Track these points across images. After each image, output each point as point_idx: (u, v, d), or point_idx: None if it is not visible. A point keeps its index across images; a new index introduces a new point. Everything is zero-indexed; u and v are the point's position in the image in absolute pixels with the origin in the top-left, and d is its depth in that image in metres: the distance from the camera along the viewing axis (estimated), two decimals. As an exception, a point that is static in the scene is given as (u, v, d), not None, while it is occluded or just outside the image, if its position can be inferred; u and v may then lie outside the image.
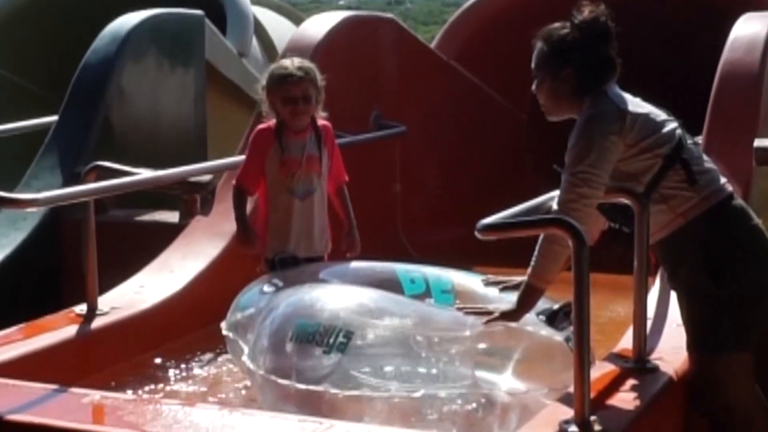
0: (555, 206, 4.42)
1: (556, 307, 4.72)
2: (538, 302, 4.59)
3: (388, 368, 4.63)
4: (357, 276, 5.32)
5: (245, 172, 5.71)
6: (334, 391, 4.53)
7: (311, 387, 4.58)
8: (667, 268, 4.74)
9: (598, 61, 4.54)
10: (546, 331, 4.63)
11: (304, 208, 5.64)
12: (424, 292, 5.28)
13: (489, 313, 4.58)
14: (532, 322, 4.67)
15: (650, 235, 4.55)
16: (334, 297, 4.96)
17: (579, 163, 4.37)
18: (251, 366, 4.84)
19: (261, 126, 5.74)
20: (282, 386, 4.66)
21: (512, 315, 4.54)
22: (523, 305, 4.53)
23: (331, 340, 4.64)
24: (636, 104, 4.55)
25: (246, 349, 4.99)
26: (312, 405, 4.56)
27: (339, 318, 4.74)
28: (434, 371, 4.57)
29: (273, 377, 4.69)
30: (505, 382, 4.50)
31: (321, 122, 5.73)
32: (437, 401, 4.50)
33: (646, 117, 4.50)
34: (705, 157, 4.66)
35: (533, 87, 4.64)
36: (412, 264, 5.64)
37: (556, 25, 4.62)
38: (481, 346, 4.58)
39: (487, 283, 5.09)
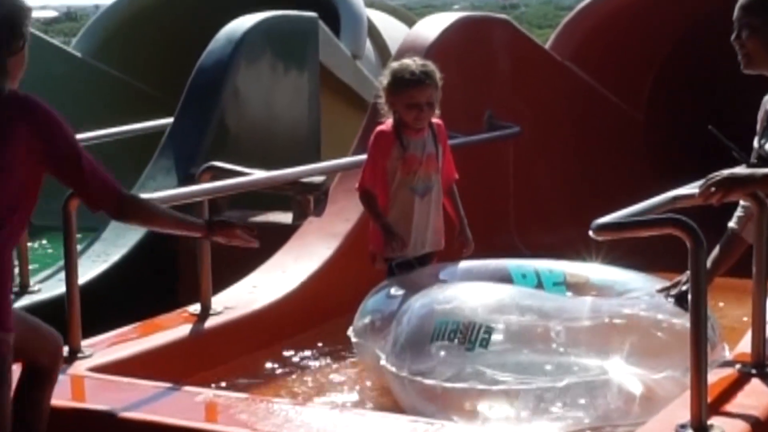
0: None
1: (684, 288, 4.67)
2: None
3: (529, 360, 4.66)
4: (471, 274, 5.33)
5: (371, 175, 5.68)
6: (480, 387, 4.55)
7: (458, 385, 4.59)
8: None
9: None
10: (679, 316, 4.63)
11: (423, 206, 5.64)
12: (536, 286, 5.27)
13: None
14: (663, 305, 4.68)
15: None
16: (469, 294, 4.98)
17: None
18: (393, 369, 4.83)
19: (381, 128, 5.71)
20: (428, 386, 4.66)
21: None
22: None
23: (473, 337, 4.66)
24: None
25: (379, 353, 5.00)
26: (457, 403, 4.58)
27: (478, 314, 4.75)
28: (572, 360, 4.60)
29: (419, 378, 4.69)
30: (641, 368, 4.51)
31: (435, 120, 5.72)
32: (575, 391, 4.52)
33: None
34: None
35: (737, 35, 4.56)
36: (524, 259, 5.61)
37: None
38: (618, 334, 4.60)
39: (658, 291, 5.02)
